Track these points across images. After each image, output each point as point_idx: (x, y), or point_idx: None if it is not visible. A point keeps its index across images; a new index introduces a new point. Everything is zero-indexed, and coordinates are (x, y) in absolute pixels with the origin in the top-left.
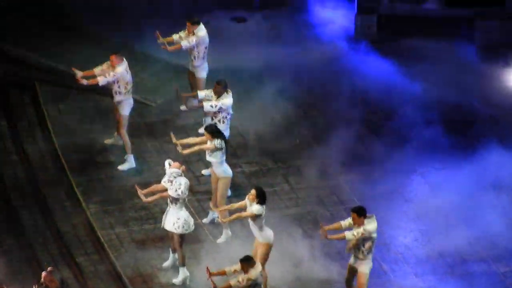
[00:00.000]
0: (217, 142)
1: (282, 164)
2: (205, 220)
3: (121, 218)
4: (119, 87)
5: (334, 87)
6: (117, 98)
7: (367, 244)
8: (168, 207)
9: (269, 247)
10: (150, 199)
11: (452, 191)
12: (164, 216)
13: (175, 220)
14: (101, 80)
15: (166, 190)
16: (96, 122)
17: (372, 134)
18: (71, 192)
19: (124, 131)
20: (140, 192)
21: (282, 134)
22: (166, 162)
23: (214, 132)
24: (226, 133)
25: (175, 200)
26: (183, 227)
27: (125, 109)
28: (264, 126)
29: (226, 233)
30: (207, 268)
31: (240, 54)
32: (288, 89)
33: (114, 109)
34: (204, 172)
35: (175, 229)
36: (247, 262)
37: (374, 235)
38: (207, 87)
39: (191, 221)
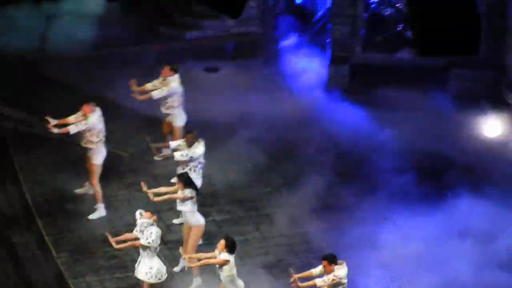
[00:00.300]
0: (188, 191)
1: (253, 212)
2: (176, 269)
3: (92, 266)
4: (91, 136)
5: (306, 135)
6: (89, 147)
7: None
8: (140, 256)
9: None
10: (121, 245)
11: (422, 238)
12: (136, 265)
13: (148, 269)
14: (72, 129)
15: (137, 239)
16: (67, 171)
17: (343, 182)
18: (41, 241)
19: (96, 181)
20: (111, 239)
21: (253, 182)
22: (137, 213)
23: (186, 181)
24: (198, 182)
25: (147, 249)
26: (155, 276)
27: (98, 158)
28: (235, 174)
29: (196, 281)
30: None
31: (213, 103)
32: (260, 137)
33: (86, 158)
34: (175, 221)
35: (148, 278)
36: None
37: (345, 280)
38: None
39: (164, 269)
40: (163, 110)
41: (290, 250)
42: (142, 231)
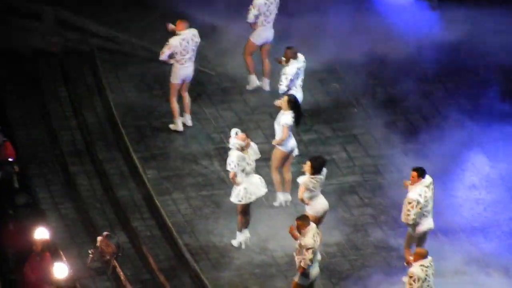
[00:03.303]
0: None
1: (340, 132)
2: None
3: (178, 184)
4: (175, 54)
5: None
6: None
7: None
8: None
9: (314, 219)
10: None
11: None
12: None
13: (234, 189)
14: (160, 56)
15: None
16: (154, 89)
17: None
18: (128, 158)
19: (172, 98)
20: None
21: (341, 102)
22: (233, 131)
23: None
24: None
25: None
26: (236, 197)
27: (172, 77)
28: (323, 95)
29: (278, 196)
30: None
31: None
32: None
33: None
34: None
35: (231, 198)
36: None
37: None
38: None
39: (251, 192)
40: None
41: (376, 170)
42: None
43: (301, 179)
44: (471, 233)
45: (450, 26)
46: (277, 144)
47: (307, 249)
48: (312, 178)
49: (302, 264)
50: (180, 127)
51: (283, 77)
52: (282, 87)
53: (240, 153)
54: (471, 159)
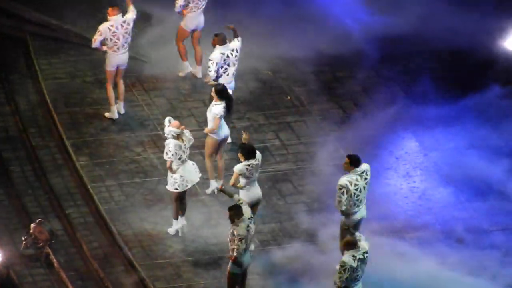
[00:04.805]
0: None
1: (273, 120)
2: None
3: (111, 171)
4: (109, 41)
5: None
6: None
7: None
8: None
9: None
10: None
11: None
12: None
13: (169, 177)
14: (93, 43)
15: None
16: (87, 76)
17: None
18: (61, 144)
19: (108, 84)
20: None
21: (274, 90)
22: (166, 119)
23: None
24: (231, 85)
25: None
26: (173, 185)
27: (107, 64)
28: (256, 82)
29: (211, 184)
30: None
31: None
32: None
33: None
34: None
35: (167, 186)
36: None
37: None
38: None
39: (187, 180)
40: None
41: (310, 158)
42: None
43: (237, 167)
44: (406, 222)
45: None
46: (209, 133)
47: (240, 239)
48: (247, 164)
49: (234, 253)
50: (115, 115)
51: (209, 63)
52: (211, 73)
53: (177, 142)
54: (405, 147)
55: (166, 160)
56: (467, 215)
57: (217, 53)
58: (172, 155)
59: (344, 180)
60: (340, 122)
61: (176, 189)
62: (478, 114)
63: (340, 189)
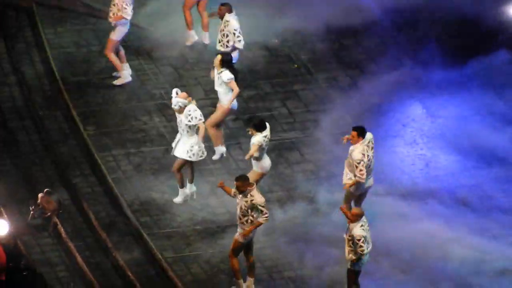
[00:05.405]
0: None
1: (280, 88)
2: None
3: (118, 140)
4: (118, 11)
5: None
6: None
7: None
8: (179, 135)
9: (261, 176)
10: None
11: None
12: (174, 143)
13: (189, 148)
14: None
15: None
16: (93, 45)
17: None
18: (68, 114)
19: (109, 51)
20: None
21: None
22: (174, 91)
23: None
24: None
25: (187, 128)
26: (197, 154)
27: (115, 33)
28: (262, 50)
29: (218, 150)
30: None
31: None
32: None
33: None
34: None
35: (189, 157)
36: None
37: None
38: None
39: (203, 146)
40: None
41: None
42: (176, 110)
43: (256, 139)
44: (412, 188)
45: None
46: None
47: (262, 206)
48: (264, 135)
49: (262, 220)
50: (129, 77)
51: (236, 33)
52: (242, 42)
53: (196, 107)
54: (411, 114)
55: (171, 128)
56: (473, 182)
57: (236, 21)
58: (200, 119)
59: (358, 154)
60: (347, 90)
61: (201, 157)
62: (485, 81)
63: (359, 163)
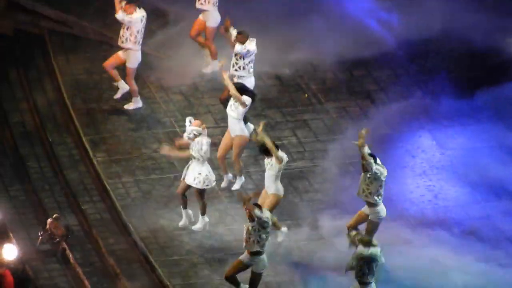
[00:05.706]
0: (245, 97)
1: (290, 117)
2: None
3: (128, 167)
4: (131, 35)
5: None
6: (125, 47)
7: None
8: (190, 162)
9: (278, 199)
10: (170, 153)
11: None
12: (185, 170)
13: (196, 175)
14: (119, 14)
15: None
16: (104, 72)
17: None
18: (78, 141)
19: (131, 81)
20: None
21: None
22: (187, 120)
23: (241, 89)
24: (250, 79)
25: (198, 155)
26: (203, 182)
27: (132, 61)
28: (273, 79)
29: (240, 180)
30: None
31: None
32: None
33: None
34: None
35: (195, 184)
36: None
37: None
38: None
39: (213, 177)
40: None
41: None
42: (191, 139)
43: (283, 155)
44: (422, 219)
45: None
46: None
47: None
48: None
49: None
50: (140, 103)
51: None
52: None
53: (208, 139)
54: (421, 145)
55: (182, 157)
56: (482, 214)
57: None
58: (205, 152)
59: (376, 166)
60: (357, 120)
61: (207, 185)
62: (494, 113)
63: (376, 173)
